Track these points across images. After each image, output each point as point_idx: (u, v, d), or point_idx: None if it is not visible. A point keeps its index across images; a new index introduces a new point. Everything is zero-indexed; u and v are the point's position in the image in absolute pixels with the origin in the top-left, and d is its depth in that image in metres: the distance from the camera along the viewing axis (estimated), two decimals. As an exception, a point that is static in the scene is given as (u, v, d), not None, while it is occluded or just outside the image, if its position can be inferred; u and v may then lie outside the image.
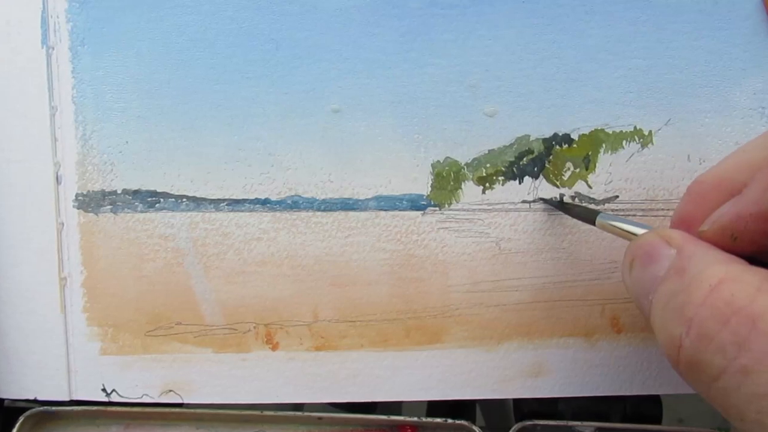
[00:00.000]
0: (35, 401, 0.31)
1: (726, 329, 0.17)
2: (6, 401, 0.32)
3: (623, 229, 0.24)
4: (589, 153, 0.30)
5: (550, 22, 0.29)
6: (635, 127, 0.30)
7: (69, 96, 0.30)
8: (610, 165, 0.30)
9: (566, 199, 0.30)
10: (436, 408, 0.37)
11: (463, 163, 0.30)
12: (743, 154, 0.22)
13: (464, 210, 0.30)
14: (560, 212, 0.30)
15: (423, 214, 0.30)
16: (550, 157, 0.30)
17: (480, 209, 0.30)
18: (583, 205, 0.30)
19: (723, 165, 0.22)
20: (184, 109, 0.30)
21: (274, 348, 0.30)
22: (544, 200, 0.30)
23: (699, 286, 0.18)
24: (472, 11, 0.29)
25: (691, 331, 0.18)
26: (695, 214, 0.22)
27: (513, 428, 0.29)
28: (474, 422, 0.29)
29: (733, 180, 0.21)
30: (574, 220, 0.30)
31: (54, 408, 0.31)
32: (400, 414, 0.30)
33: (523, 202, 0.30)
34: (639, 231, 0.23)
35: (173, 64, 0.30)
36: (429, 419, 0.30)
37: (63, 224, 0.30)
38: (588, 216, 0.27)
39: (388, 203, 0.30)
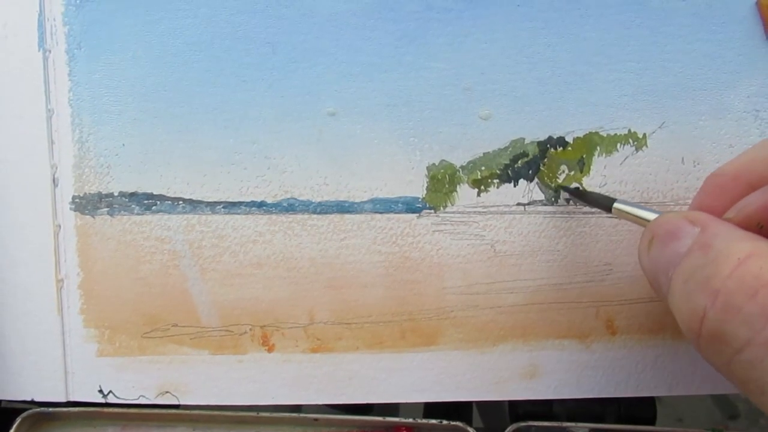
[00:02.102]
0: (32, 402, 0.31)
1: (753, 301, 0.17)
2: (3, 402, 0.32)
3: (640, 216, 0.24)
4: (584, 156, 0.30)
5: (544, 25, 0.29)
6: (629, 130, 0.30)
7: (65, 99, 0.30)
8: (605, 168, 0.30)
9: (561, 201, 0.30)
10: (433, 409, 0.37)
11: (458, 166, 0.30)
12: (762, 150, 0.22)
13: (459, 212, 0.30)
14: (559, 209, 0.30)
15: (418, 217, 0.30)
16: (545, 160, 0.30)
17: (475, 212, 0.30)
18: (600, 192, 0.29)
19: (742, 159, 0.22)
20: (181, 112, 0.30)
21: (270, 350, 0.31)
22: (563, 187, 0.30)
23: (726, 260, 0.18)
24: (468, 15, 0.30)
25: (716, 303, 0.18)
26: (713, 205, 0.22)
27: (508, 429, 0.29)
28: (470, 423, 0.30)
29: (752, 173, 0.22)
30: (569, 222, 0.30)
31: (51, 409, 0.31)
32: (397, 415, 0.30)
33: (518, 204, 0.30)
34: (655, 216, 0.23)
35: (169, 67, 0.30)
36: (424, 420, 0.30)
37: (60, 226, 0.30)
38: (605, 203, 0.27)
39: (383, 206, 0.30)
